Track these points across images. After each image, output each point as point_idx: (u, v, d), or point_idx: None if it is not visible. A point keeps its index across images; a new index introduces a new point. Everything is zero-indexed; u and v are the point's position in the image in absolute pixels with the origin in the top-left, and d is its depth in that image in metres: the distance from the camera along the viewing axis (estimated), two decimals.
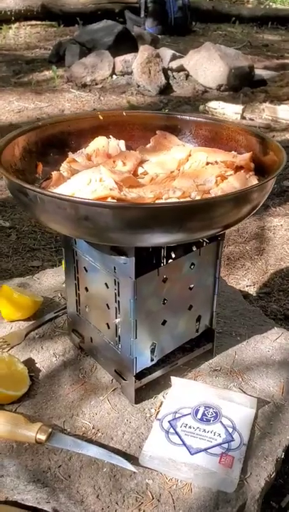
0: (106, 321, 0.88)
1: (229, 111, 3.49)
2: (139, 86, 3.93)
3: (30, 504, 0.81)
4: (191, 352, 0.95)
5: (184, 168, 0.86)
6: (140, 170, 0.88)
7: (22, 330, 1.06)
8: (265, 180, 0.73)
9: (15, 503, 0.84)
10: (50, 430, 0.82)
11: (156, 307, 0.83)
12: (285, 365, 0.99)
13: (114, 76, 4.07)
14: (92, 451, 0.79)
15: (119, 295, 0.81)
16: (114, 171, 0.80)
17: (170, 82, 4.02)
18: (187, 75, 4.16)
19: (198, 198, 0.79)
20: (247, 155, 0.87)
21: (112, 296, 0.83)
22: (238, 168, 0.86)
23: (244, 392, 0.92)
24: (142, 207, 0.67)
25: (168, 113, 1.04)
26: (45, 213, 0.69)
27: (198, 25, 6.34)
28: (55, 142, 0.95)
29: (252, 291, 1.58)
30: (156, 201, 0.78)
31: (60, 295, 1.16)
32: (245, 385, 0.94)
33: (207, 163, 0.86)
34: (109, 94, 3.83)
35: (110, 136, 0.99)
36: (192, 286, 0.88)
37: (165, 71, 4.00)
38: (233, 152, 0.92)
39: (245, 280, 1.63)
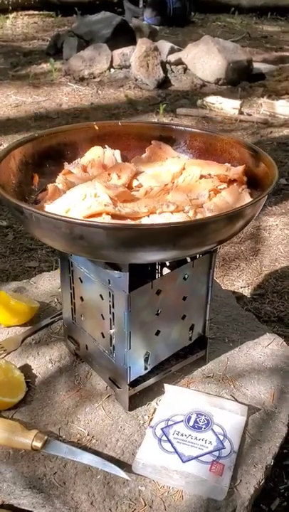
0: (101, 331, 0.90)
1: (227, 106, 3.48)
2: (137, 80, 3.92)
3: (26, 508, 0.84)
4: (185, 359, 0.97)
5: (178, 182, 0.87)
6: (135, 182, 0.90)
7: (18, 336, 1.08)
8: (256, 199, 0.74)
9: (11, 507, 0.86)
10: (45, 437, 0.84)
11: (150, 318, 0.85)
12: (275, 372, 1.01)
13: (112, 69, 4.06)
14: (87, 458, 0.82)
15: (113, 307, 0.83)
16: (109, 185, 0.81)
17: (168, 75, 4.01)
18: (185, 69, 4.15)
19: (191, 212, 0.81)
20: (240, 168, 0.89)
21: (107, 308, 0.85)
22: (231, 182, 0.88)
23: (236, 399, 0.94)
24: (136, 228, 0.68)
25: (163, 123, 1.05)
26: (40, 230, 0.71)
27: (197, 15, 6.30)
28: (51, 153, 0.96)
29: (246, 292, 1.60)
30: (150, 215, 0.79)
31: (56, 300, 1.18)
32: (236, 392, 0.96)
33: (201, 177, 0.87)
34: (107, 87, 3.82)
35: (106, 146, 1.01)
36: (186, 296, 0.90)
37: (163, 64, 3.99)
38: (226, 164, 0.93)
39: (240, 281, 1.65)
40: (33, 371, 1.00)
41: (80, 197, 0.78)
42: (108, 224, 0.69)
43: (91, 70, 3.99)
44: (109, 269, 0.78)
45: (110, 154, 0.99)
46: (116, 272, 0.77)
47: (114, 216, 0.76)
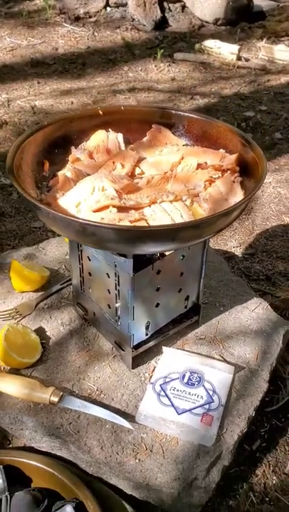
0: (107, 303, 1.02)
1: (225, 51, 3.43)
2: (133, 20, 3.82)
3: (44, 450, 0.99)
4: (180, 324, 1.10)
5: (177, 171, 0.96)
6: (137, 170, 0.98)
7: (32, 301, 1.20)
8: (243, 201, 0.83)
9: (31, 449, 1.02)
10: (61, 393, 0.98)
11: (151, 294, 0.97)
12: (260, 334, 1.15)
13: (109, 8, 3.94)
14: (97, 411, 0.96)
15: (119, 285, 0.95)
16: (114, 178, 0.90)
17: (166, 15, 3.90)
18: (183, 7, 4.02)
19: (188, 201, 0.91)
20: (233, 158, 0.97)
21: (113, 285, 0.96)
22: (225, 170, 0.97)
23: (224, 359, 1.08)
24: (140, 230, 0.78)
25: (163, 108, 1.11)
26: (56, 226, 0.81)
27: None
28: (59, 139, 1.04)
29: (238, 252, 1.72)
30: (152, 205, 0.89)
31: (64, 266, 1.30)
32: (225, 352, 1.10)
33: (198, 167, 0.96)
34: (104, 29, 3.73)
35: (109, 129, 1.08)
36: (182, 272, 1.01)
37: (161, 2, 3.87)
38: (221, 151, 1.02)
39: (233, 241, 1.76)
40: (47, 333, 1.14)
41: (88, 190, 0.87)
42: (117, 226, 0.79)
43: (86, 9, 3.87)
44: (116, 254, 0.89)
45: (114, 138, 1.07)
46: (122, 257, 0.88)
47: (119, 208, 0.86)
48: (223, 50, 3.44)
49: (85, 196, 0.87)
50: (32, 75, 3.04)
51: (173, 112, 1.09)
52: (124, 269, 0.90)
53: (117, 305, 0.98)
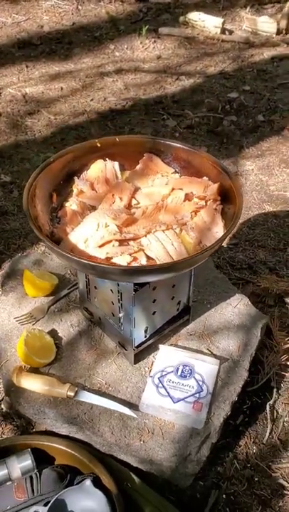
0: (111, 311, 1.20)
1: (209, 24, 3.48)
2: None
3: (63, 433, 1.20)
4: (174, 323, 1.29)
5: (167, 202, 1.12)
6: (134, 201, 1.14)
7: (44, 305, 1.38)
8: (214, 246, 0.99)
9: (52, 433, 1.23)
10: (76, 389, 1.18)
11: (149, 305, 1.15)
12: (241, 328, 1.34)
13: None
14: (106, 403, 1.17)
15: (121, 300, 1.13)
16: (115, 214, 1.06)
17: None
18: None
19: (178, 229, 1.08)
20: (214, 188, 1.13)
21: (116, 299, 1.14)
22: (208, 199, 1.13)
23: (211, 352, 1.28)
24: (141, 269, 0.96)
25: (154, 138, 1.26)
26: (70, 264, 0.98)
27: None
28: (64, 171, 1.19)
29: (223, 242, 1.89)
30: (148, 235, 1.06)
31: (70, 271, 1.47)
32: (212, 346, 1.30)
33: (185, 198, 1.12)
34: (87, 2, 3.73)
35: (106, 159, 1.23)
36: (174, 284, 1.19)
37: None
38: (205, 178, 1.18)
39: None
40: (59, 334, 1.32)
41: (94, 227, 1.03)
42: (121, 267, 0.96)
43: None
44: None
45: (110, 167, 1.22)
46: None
47: (120, 241, 1.03)
48: (207, 23, 3.49)
49: (92, 233, 1.03)
50: (20, 58, 3.09)
51: (161, 141, 1.23)
52: (126, 289, 1.08)
53: (120, 315, 1.16)
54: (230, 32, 3.52)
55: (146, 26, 3.37)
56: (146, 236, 1.06)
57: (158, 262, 1.00)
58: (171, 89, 2.83)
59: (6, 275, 1.48)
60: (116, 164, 1.23)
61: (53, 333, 1.32)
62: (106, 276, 0.98)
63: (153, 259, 1.01)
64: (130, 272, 0.95)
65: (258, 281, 1.72)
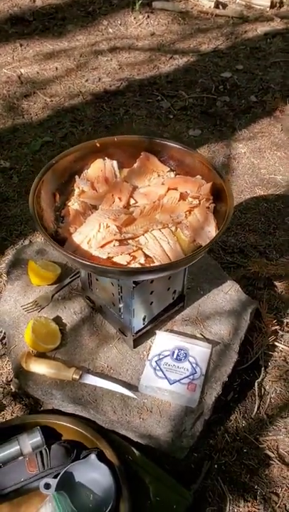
0: (112, 302, 1.30)
1: None
2: None
3: (69, 411, 1.31)
4: (170, 310, 1.39)
5: (164, 201, 1.20)
6: (132, 201, 1.22)
7: (48, 293, 1.47)
8: (207, 245, 1.08)
9: (59, 411, 1.34)
10: (80, 372, 1.29)
11: (147, 296, 1.25)
12: (232, 313, 1.45)
13: None
14: (109, 385, 1.28)
15: (121, 292, 1.22)
16: (115, 215, 1.14)
17: None
18: None
19: (173, 228, 1.17)
20: (207, 187, 1.21)
21: (116, 291, 1.24)
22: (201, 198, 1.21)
23: (204, 337, 1.39)
24: (137, 270, 1.05)
25: (150, 138, 1.32)
26: (74, 264, 1.07)
27: None
28: (65, 171, 1.26)
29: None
30: (145, 234, 1.15)
31: None
32: (205, 331, 1.41)
33: (180, 197, 1.20)
34: None
35: (105, 158, 1.30)
36: (170, 276, 1.29)
37: None
38: (198, 177, 1.26)
39: None
40: (63, 321, 1.42)
41: (96, 228, 1.12)
42: (121, 268, 1.05)
43: None
44: None
45: (110, 166, 1.29)
46: None
47: (120, 241, 1.11)
48: None
49: (94, 233, 1.11)
50: (13, 35, 3.08)
51: (157, 141, 1.30)
52: (126, 283, 1.17)
53: (120, 305, 1.26)
54: (224, 6, 3.50)
55: (140, 1, 3.35)
56: (144, 235, 1.14)
57: (155, 261, 1.09)
58: (165, 69, 2.85)
59: (11, 264, 1.57)
60: (115, 163, 1.30)
61: (57, 320, 1.42)
62: (107, 275, 1.07)
63: (151, 258, 1.10)
64: (129, 272, 1.04)
65: (249, 264, 1.81)
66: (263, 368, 1.51)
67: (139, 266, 1.06)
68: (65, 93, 2.63)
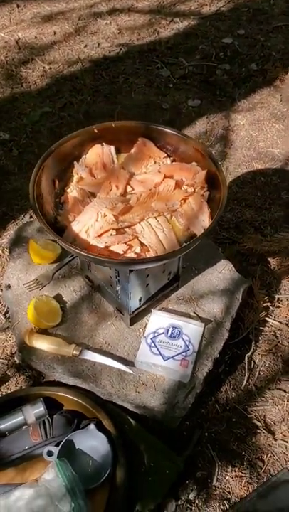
0: (110, 283, 1.36)
1: None
2: None
3: (70, 383, 1.40)
4: (165, 290, 1.46)
5: (159, 189, 1.24)
6: (128, 188, 1.26)
7: (49, 272, 1.53)
8: (197, 238, 1.13)
9: (60, 383, 1.43)
10: (80, 349, 1.37)
11: (143, 279, 1.31)
12: (224, 292, 1.51)
13: None
14: (107, 361, 1.36)
15: (118, 276, 1.28)
16: (113, 203, 1.18)
17: None
18: None
19: (168, 216, 1.21)
20: (202, 176, 1.25)
21: (114, 275, 1.30)
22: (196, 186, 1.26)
23: (197, 315, 1.46)
24: (133, 261, 1.10)
25: (147, 123, 1.35)
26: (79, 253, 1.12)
27: None
28: (64, 157, 1.30)
29: None
30: (141, 222, 1.20)
31: None
32: (198, 309, 1.48)
33: (175, 186, 1.24)
34: None
35: (103, 143, 1.33)
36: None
37: None
38: (194, 164, 1.29)
39: None
40: (64, 299, 1.49)
41: (93, 217, 1.17)
42: (120, 260, 1.10)
43: None
44: None
45: (107, 151, 1.33)
46: None
47: (117, 230, 1.17)
48: None
49: (92, 222, 1.16)
50: None
51: (154, 127, 1.33)
52: (123, 269, 1.23)
53: (118, 288, 1.32)
54: None
55: None
56: (140, 223, 1.19)
57: (150, 249, 1.14)
58: (165, 34, 2.81)
59: (13, 242, 1.62)
60: (112, 148, 1.33)
61: (58, 298, 1.48)
62: (104, 265, 1.13)
63: (146, 246, 1.16)
64: (124, 263, 1.10)
65: (244, 240, 1.87)
66: (253, 343, 1.59)
67: (134, 256, 1.12)
68: (64, 60, 2.60)
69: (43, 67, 2.55)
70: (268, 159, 2.18)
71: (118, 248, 1.13)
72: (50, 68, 2.55)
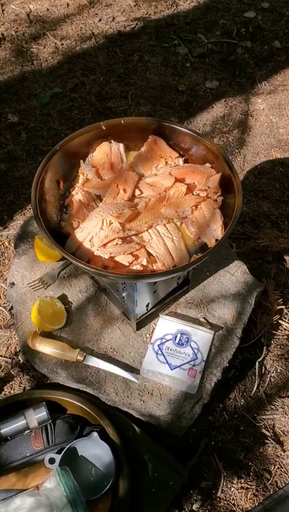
0: (116, 288, 1.31)
1: None
2: None
3: (74, 387, 1.36)
4: (174, 293, 1.40)
5: (170, 193, 1.16)
6: (137, 192, 1.19)
7: (54, 270, 1.48)
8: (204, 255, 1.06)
9: (64, 386, 1.39)
10: (84, 354, 1.33)
11: (150, 287, 1.25)
12: (237, 297, 1.45)
13: None
14: (111, 368, 1.31)
15: (124, 284, 1.22)
16: (119, 210, 1.11)
17: None
18: None
19: (178, 223, 1.14)
20: (216, 180, 1.17)
21: (120, 282, 1.24)
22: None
23: (207, 321, 1.40)
24: (140, 275, 1.04)
25: (159, 120, 1.26)
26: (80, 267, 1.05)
27: None
28: (69, 156, 1.22)
29: None
30: (149, 229, 1.13)
31: None
32: (208, 314, 1.42)
33: (187, 191, 1.16)
34: None
35: (112, 140, 1.25)
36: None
37: None
38: (207, 166, 1.21)
39: None
40: (69, 299, 1.44)
41: (98, 225, 1.10)
42: (126, 275, 1.04)
43: None
44: None
45: (116, 149, 1.25)
46: None
47: (124, 240, 1.10)
48: None
49: (96, 230, 1.10)
50: None
51: (166, 124, 1.24)
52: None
53: (124, 294, 1.27)
54: None
55: None
56: (147, 230, 1.12)
57: (158, 260, 1.08)
58: (185, 7, 2.65)
59: (19, 237, 1.57)
60: (121, 146, 1.25)
61: (63, 298, 1.43)
62: (108, 278, 1.07)
63: (153, 257, 1.09)
64: (128, 277, 1.03)
65: (260, 236, 1.78)
66: (265, 347, 1.53)
67: (140, 268, 1.05)
68: (77, 35, 2.48)
69: (55, 43, 2.43)
70: (288, 147, 2.07)
71: (123, 259, 1.07)
72: (62, 44, 2.43)
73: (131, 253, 1.07)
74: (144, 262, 1.07)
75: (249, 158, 2.03)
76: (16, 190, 1.90)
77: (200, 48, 2.44)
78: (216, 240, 1.11)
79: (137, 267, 1.06)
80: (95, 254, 1.08)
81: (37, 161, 1.97)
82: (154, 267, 1.08)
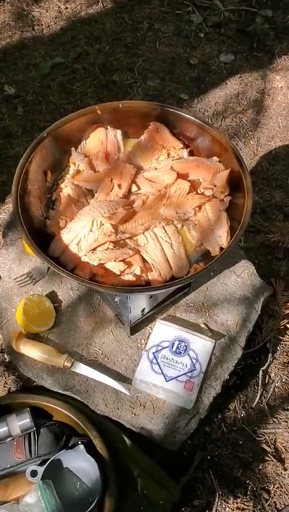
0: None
1: None
2: None
3: (61, 392, 1.26)
4: (173, 296, 1.27)
5: (170, 191, 1.03)
6: (134, 187, 1.05)
7: (44, 265, 1.35)
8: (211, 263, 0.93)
9: (50, 390, 1.29)
10: (73, 360, 1.22)
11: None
12: (242, 301, 1.32)
13: None
14: (101, 377, 1.20)
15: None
16: (112, 209, 0.98)
17: None
18: None
19: (179, 225, 1.01)
20: (224, 177, 1.03)
21: None
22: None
23: (208, 327, 1.28)
24: (136, 290, 0.91)
25: (162, 105, 1.10)
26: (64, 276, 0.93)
27: None
28: (59, 144, 1.08)
29: None
30: (145, 232, 1.00)
31: None
32: (210, 320, 1.29)
33: (190, 186, 1.02)
34: None
35: (108, 126, 1.11)
36: None
37: None
38: (214, 159, 1.06)
39: None
40: (59, 297, 1.32)
41: (88, 226, 0.96)
42: (121, 289, 0.91)
43: None
44: None
45: (112, 137, 1.10)
46: None
47: (116, 244, 0.97)
48: None
49: (85, 232, 0.96)
50: None
51: (170, 109, 1.09)
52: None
53: (116, 299, 1.14)
54: None
55: None
56: (144, 233, 0.99)
57: (153, 269, 0.96)
58: None
59: (7, 225, 1.44)
60: (118, 133, 1.11)
61: (52, 296, 1.32)
62: (94, 290, 0.94)
63: (149, 264, 0.96)
64: (118, 290, 0.91)
65: (271, 229, 1.65)
66: (270, 354, 1.42)
67: (133, 278, 0.93)
68: None
69: (58, 7, 2.24)
70: None
71: (114, 267, 0.94)
72: (66, 8, 2.24)
73: (123, 260, 0.94)
74: (138, 272, 0.94)
75: (263, 141, 1.87)
76: (9, 169, 1.76)
77: (215, 17, 2.23)
78: (221, 248, 0.97)
79: (129, 277, 0.93)
80: (82, 260, 0.95)
81: (33, 138, 1.82)
82: (149, 277, 0.95)
